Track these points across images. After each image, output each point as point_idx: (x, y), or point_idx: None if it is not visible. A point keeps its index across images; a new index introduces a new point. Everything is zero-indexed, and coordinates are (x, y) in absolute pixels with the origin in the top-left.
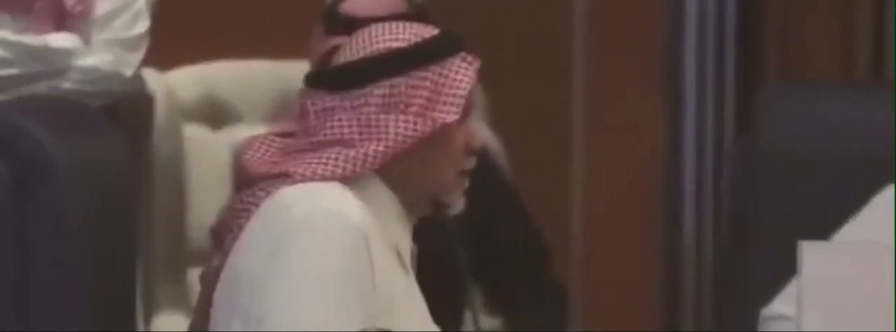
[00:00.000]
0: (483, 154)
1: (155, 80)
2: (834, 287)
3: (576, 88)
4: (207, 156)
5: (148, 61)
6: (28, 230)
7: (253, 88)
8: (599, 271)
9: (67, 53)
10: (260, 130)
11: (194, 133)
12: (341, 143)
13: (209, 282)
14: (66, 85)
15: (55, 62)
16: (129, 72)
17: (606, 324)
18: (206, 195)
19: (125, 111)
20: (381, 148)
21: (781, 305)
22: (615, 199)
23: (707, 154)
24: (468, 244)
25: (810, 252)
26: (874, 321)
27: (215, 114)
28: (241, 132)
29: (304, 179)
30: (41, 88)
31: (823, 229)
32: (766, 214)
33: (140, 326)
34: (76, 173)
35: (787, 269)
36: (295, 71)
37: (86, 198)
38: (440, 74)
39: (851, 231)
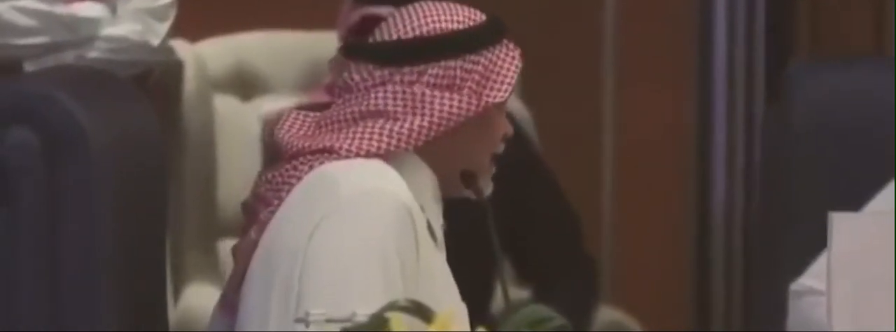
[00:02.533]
0: (514, 126)
1: (185, 50)
2: (864, 259)
3: (606, 62)
4: (237, 126)
5: (177, 32)
6: (58, 201)
7: (282, 58)
8: (630, 244)
9: (94, 23)
10: (290, 100)
11: (224, 104)
12: (384, 115)
13: (245, 254)
14: (93, 54)
15: (82, 31)
16: (156, 41)
17: (636, 296)
18: (236, 166)
19: (155, 81)
20: (425, 123)
21: (811, 279)
22: (646, 172)
23: (737, 128)
24: (498, 216)
25: (841, 224)
26: None
27: (245, 84)
28: (270, 103)
29: (349, 155)
30: (68, 57)
31: (854, 201)
32: (796, 186)
33: (170, 296)
34: (106, 143)
35: (817, 242)
36: (324, 41)
37: (116, 169)
38: (490, 60)
39: (882, 203)
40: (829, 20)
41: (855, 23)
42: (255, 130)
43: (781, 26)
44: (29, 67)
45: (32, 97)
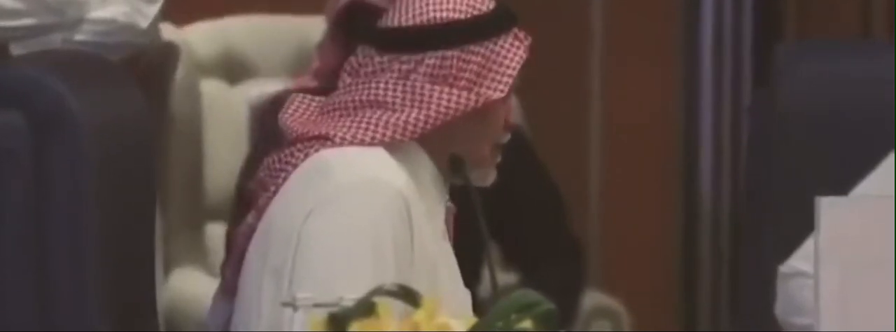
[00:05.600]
0: None
1: (172, 35)
2: (851, 243)
3: (593, 46)
4: (224, 111)
5: (165, 16)
6: (46, 184)
7: (270, 42)
8: (617, 227)
9: (81, 5)
10: (277, 85)
11: (211, 88)
12: (383, 106)
13: (243, 239)
14: (80, 37)
15: (68, 14)
16: (144, 23)
17: (624, 282)
18: (223, 150)
19: (144, 65)
20: (422, 117)
21: (799, 262)
22: (633, 155)
23: (725, 110)
24: (485, 200)
25: (828, 208)
26: (892, 276)
27: (232, 69)
28: (258, 87)
29: (344, 143)
30: (55, 40)
31: (841, 185)
32: (783, 168)
33: (159, 280)
34: (94, 126)
35: (804, 225)
36: (312, 26)
37: (104, 152)
38: (492, 51)
39: (869, 187)
40: (816, 3)
41: (842, 6)
42: (243, 114)
43: (769, 9)
44: (15, 50)
45: (21, 80)
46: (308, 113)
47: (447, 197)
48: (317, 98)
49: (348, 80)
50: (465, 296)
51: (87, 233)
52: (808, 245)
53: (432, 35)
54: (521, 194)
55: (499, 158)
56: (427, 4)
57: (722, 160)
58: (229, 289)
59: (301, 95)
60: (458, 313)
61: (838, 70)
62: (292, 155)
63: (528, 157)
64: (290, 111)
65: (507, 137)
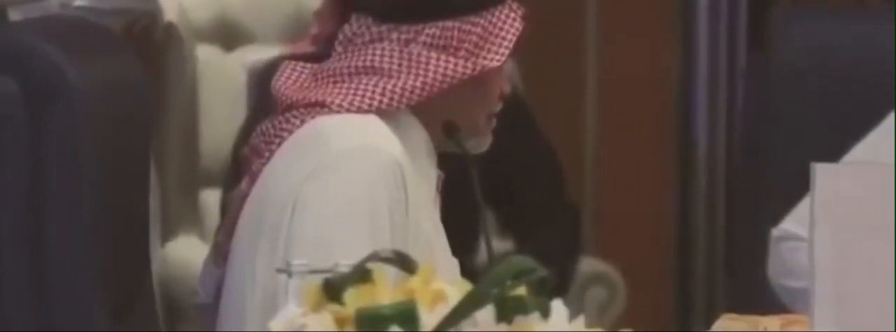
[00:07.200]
0: None
1: (168, 1)
2: (847, 209)
3: (589, 10)
4: (220, 77)
5: None
6: (42, 151)
7: (266, 8)
8: (613, 196)
9: None
10: (273, 50)
11: (207, 54)
12: (379, 72)
13: (236, 205)
14: (78, 2)
15: None
16: None
17: (619, 248)
18: (219, 116)
19: (140, 31)
20: (418, 83)
21: (791, 224)
22: (629, 122)
23: (720, 76)
24: (481, 166)
25: (823, 174)
26: (887, 243)
27: (228, 35)
28: (254, 53)
29: (341, 109)
30: (53, 4)
31: (836, 149)
32: (778, 134)
33: (156, 247)
34: (89, 93)
35: (797, 189)
36: None
37: (99, 118)
38: (490, 22)
39: (863, 152)
40: None
41: None
42: (238, 80)
43: None
44: (14, 14)
45: (15, 47)
46: (301, 80)
47: (436, 166)
48: (309, 65)
49: (340, 48)
50: (453, 264)
51: (84, 200)
52: (801, 208)
53: (432, 6)
54: (518, 160)
55: (494, 125)
56: None
57: (717, 125)
58: (222, 254)
59: (293, 62)
60: (449, 280)
61: (833, 34)
62: (288, 121)
63: (526, 123)
64: (282, 78)
65: (499, 107)
